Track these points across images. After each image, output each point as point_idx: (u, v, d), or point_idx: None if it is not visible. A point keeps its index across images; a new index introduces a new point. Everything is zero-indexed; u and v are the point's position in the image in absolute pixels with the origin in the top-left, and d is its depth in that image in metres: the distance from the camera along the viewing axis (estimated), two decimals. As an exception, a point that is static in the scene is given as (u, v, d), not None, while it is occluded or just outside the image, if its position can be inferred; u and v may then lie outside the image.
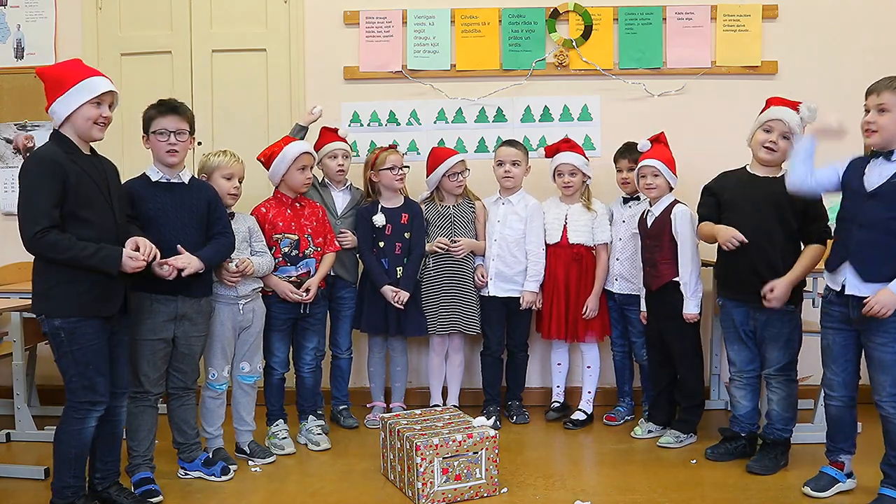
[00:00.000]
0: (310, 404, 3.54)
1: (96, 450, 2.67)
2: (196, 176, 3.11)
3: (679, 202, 3.41)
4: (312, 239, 3.40)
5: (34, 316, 2.76)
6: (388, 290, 3.59)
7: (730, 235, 3.03)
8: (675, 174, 3.41)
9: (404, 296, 3.60)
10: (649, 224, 3.44)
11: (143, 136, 2.93)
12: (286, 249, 3.34)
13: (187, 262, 2.79)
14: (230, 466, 3.08)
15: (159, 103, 2.94)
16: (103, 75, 2.63)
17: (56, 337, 2.53)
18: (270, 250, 3.30)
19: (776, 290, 2.97)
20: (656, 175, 3.37)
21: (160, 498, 2.80)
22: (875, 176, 2.62)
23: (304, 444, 3.44)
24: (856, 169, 2.71)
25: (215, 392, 3.18)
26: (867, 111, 2.64)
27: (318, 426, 3.49)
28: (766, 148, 3.07)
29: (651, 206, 3.46)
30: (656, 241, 3.40)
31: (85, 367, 2.53)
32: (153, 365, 2.88)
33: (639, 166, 3.45)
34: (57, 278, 2.52)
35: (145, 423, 2.89)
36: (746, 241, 2.99)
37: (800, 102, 3.05)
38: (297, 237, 3.37)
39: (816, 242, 3.00)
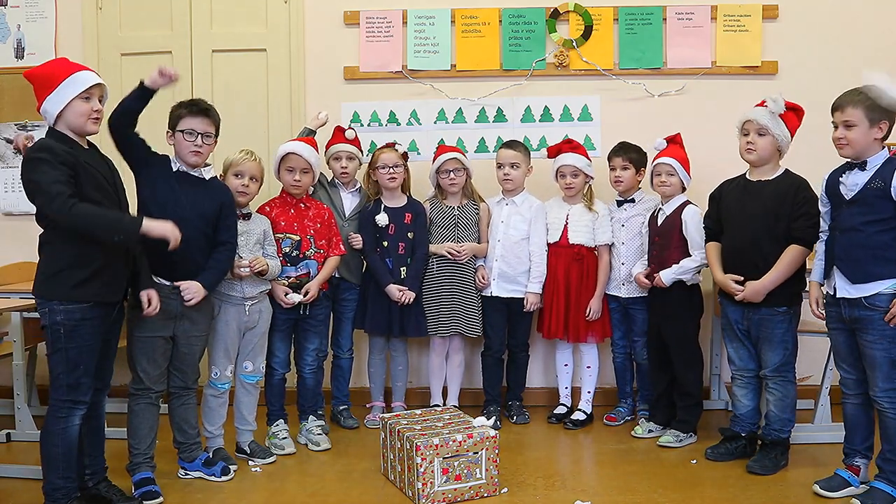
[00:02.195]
0: (310, 404, 3.53)
1: (83, 446, 2.65)
2: (218, 176, 3.11)
3: (690, 203, 3.44)
4: (315, 241, 3.39)
5: (34, 315, 2.75)
6: (394, 289, 3.59)
7: (727, 286, 3.15)
8: (689, 175, 3.46)
9: (410, 295, 3.60)
10: (660, 222, 3.46)
11: (168, 132, 2.94)
12: (287, 249, 3.34)
13: (194, 292, 2.87)
14: (230, 466, 3.08)
15: (191, 103, 2.95)
16: (90, 69, 2.62)
17: (55, 332, 2.51)
18: (273, 249, 3.31)
19: (746, 290, 3.08)
20: (671, 174, 3.42)
21: (160, 499, 2.80)
22: (852, 184, 2.74)
23: (305, 444, 3.44)
24: (833, 180, 2.82)
25: (217, 391, 3.18)
26: (836, 127, 2.75)
27: (319, 426, 3.49)
28: (747, 150, 3.14)
29: (663, 204, 3.48)
30: (666, 240, 3.43)
31: (75, 366, 2.52)
32: (153, 362, 2.87)
33: (654, 164, 3.49)
34: (66, 261, 2.50)
35: (146, 421, 2.89)
36: (741, 288, 3.08)
37: (765, 98, 3.12)
38: (298, 238, 3.36)
39: (797, 242, 3.02)
